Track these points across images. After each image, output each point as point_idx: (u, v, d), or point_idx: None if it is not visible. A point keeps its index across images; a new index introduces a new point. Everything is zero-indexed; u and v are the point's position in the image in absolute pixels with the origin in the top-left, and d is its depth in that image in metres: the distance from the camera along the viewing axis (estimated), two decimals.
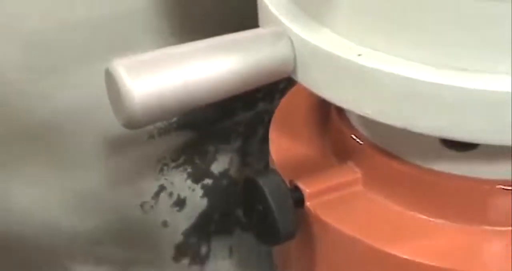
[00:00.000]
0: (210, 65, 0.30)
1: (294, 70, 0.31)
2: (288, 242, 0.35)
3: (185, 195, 0.56)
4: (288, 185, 0.35)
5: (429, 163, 0.33)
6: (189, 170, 0.56)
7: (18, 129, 0.46)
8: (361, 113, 0.30)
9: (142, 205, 0.54)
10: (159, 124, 0.52)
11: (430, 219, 0.34)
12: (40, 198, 0.49)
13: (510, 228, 0.33)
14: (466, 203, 0.34)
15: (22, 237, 0.49)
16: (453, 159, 0.33)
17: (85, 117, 0.46)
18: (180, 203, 0.56)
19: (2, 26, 0.41)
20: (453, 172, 0.33)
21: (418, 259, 0.32)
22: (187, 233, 0.57)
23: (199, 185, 0.57)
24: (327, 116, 0.38)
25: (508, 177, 0.33)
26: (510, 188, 0.33)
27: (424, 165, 0.33)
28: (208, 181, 0.57)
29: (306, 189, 0.35)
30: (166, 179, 0.55)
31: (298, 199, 0.35)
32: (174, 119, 0.52)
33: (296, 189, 0.35)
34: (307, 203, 0.35)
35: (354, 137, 0.36)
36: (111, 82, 0.29)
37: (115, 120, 0.31)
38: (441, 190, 0.34)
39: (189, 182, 0.56)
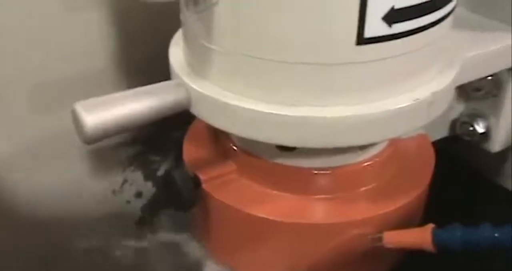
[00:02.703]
0: (138, 104, 0.32)
1: (190, 106, 0.33)
2: (193, 209, 0.37)
3: (140, 186, 0.56)
4: (192, 175, 0.37)
5: (272, 158, 0.36)
6: (141, 171, 0.56)
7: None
8: (228, 131, 0.33)
9: (113, 191, 0.55)
10: (118, 139, 0.53)
11: (276, 192, 0.36)
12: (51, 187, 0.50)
13: (323, 196, 0.36)
14: (296, 182, 0.36)
15: (39, 214, 0.50)
16: (285, 156, 0.35)
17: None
18: (139, 193, 0.57)
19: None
20: (286, 163, 0.35)
21: (269, 217, 0.35)
22: (143, 209, 0.58)
23: (150, 180, 0.57)
24: (217, 132, 0.39)
25: (319, 165, 0.35)
26: (319, 172, 0.35)
27: (269, 160, 0.36)
28: (154, 178, 0.57)
29: (202, 177, 0.37)
30: (127, 176, 0.55)
31: (198, 183, 0.37)
32: (126, 137, 0.52)
33: (196, 177, 0.37)
34: (203, 185, 0.37)
35: (231, 145, 0.38)
36: (74, 116, 0.31)
37: None
38: (281, 174, 0.36)
39: (142, 177, 0.56)
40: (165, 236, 0.49)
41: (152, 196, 0.58)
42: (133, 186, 0.57)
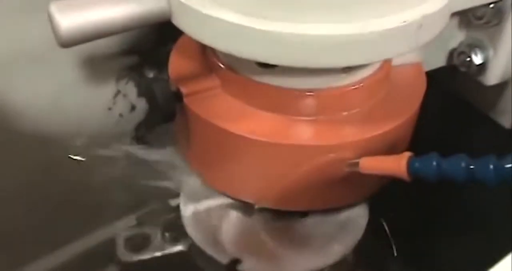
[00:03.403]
0: (115, 10, 0.31)
1: (171, 16, 0.32)
2: (174, 122, 0.37)
3: (134, 100, 0.56)
4: (175, 88, 0.37)
5: (254, 76, 0.35)
6: (135, 82, 0.56)
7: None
8: (208, 44, 0.32)
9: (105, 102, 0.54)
10: (113, 50, 0.52)
11: (258, 110, 0.36)
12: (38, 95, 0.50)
13: (304, 117, 0.36)
14: (278, 101, 0.35)
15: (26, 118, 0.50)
16: (267, 74, 0.34)
17: None
18: (133, 106, 0.57)
19: None
20: (269, 82, 0.35)
21: (247, 135, 0.34)
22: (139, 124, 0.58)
23: (143, 96, 0.56)
24: (204, 46, 0.38)
25: (302, 86, 0.34)
26: (302, 93, 0.35)
27: (252, 78, 0.35)
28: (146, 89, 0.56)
29: (184, 90, 0.36)
30: (120, 87, 0.55)
31: (180, 97, 0.36)
32: (122, 46, 0.52)
33: (179, 90, 0.37)
34: (185, 99, 0.36)
35: (215, 60, 0.37)
36: (50, 18, 0.30)
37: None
38: (263, 93, 0.35)
39: (135, 91, 0.56)
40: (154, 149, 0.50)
41: (146, 111, 0.58)
42: (126, 99, 0.57)
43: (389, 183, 0.39)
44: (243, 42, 0.29)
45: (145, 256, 0.42)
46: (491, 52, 0.41)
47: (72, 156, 0.54)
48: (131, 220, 0.59)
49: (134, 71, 0.56)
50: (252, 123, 0.35)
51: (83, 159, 0.53)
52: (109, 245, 0.57)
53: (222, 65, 0.37)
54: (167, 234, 0.43)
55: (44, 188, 0.55)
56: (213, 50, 0.38)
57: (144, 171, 0.46)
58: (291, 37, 0.28)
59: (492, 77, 0.42)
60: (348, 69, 0.34)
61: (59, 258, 0.58)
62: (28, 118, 0.51)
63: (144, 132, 0.58)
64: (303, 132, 0.36)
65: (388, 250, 0.43)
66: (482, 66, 0.41)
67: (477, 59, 0.41)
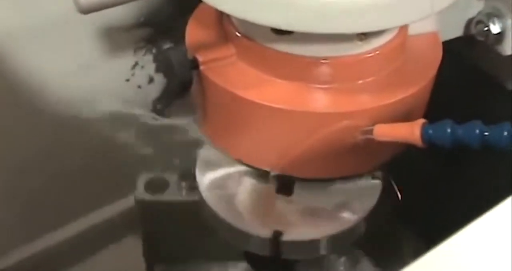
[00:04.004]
0: None
1: None
2: (191, 90, 0.37)
3: (150, 69, 0.57)
4: (191, 56, 0.37)
5: (270, 44, 0.35)
6: (152, 54, 0.56)
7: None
8: (223, 11, 0.32)
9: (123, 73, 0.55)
10: (130, 22, 0.52)
11: (273, 78, 0.36)
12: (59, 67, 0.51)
13: (320, 85, 0.36)
14: (294, 69, 0.35)
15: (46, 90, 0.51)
16: (283, 41, 0.34)
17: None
18: (151, 77, 0.57)
19: None
20: (284, 50, 0.35)
21: (263, 102, 0.35)
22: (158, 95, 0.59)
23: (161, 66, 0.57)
24: (221, 15, 0.39)
25: (317, 54, 0.35)
26: (317, 60, 0.35)
27: (268, 45, 0.35)
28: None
29: (200, 59, 0.37)
30: (137, 58, 0.56)
31: (196, 65, 0.37)
32: (139, 19, 0.52)
33: (195, 59, 0.37)
34: (201, 67, 0.37)
35: (232, 28, 0.37)
36: None
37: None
38: (279, 61, 0.35)
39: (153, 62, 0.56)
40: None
41: (164, 82, 0.59)
42: (144, 70, 0.57)
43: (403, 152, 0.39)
44: (259, 8, 0.30)
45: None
46: (509, 21, 0.40)
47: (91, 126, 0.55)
48: None
49: (151, 43, 0.56)
50: (267, 91, 0.36)
51: (102, 129, 0.54)
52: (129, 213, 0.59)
53: (238, 34, 0.37)
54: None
55: (62, 157, 0.57)
56: (229, 19, 0.38)
57: (161, 141, 0.47)
58: (305, 3, 0.29)
59: (509, 47, 0.41)
60: (363, 37, 0.34)
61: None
62: (48, 90, 0.52)
63: (163, 104, 0.59)
64: (319, 100, 0.36)
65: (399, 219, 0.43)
66: (500, 36, 0.41)
67: (495, 28, 0.41)
